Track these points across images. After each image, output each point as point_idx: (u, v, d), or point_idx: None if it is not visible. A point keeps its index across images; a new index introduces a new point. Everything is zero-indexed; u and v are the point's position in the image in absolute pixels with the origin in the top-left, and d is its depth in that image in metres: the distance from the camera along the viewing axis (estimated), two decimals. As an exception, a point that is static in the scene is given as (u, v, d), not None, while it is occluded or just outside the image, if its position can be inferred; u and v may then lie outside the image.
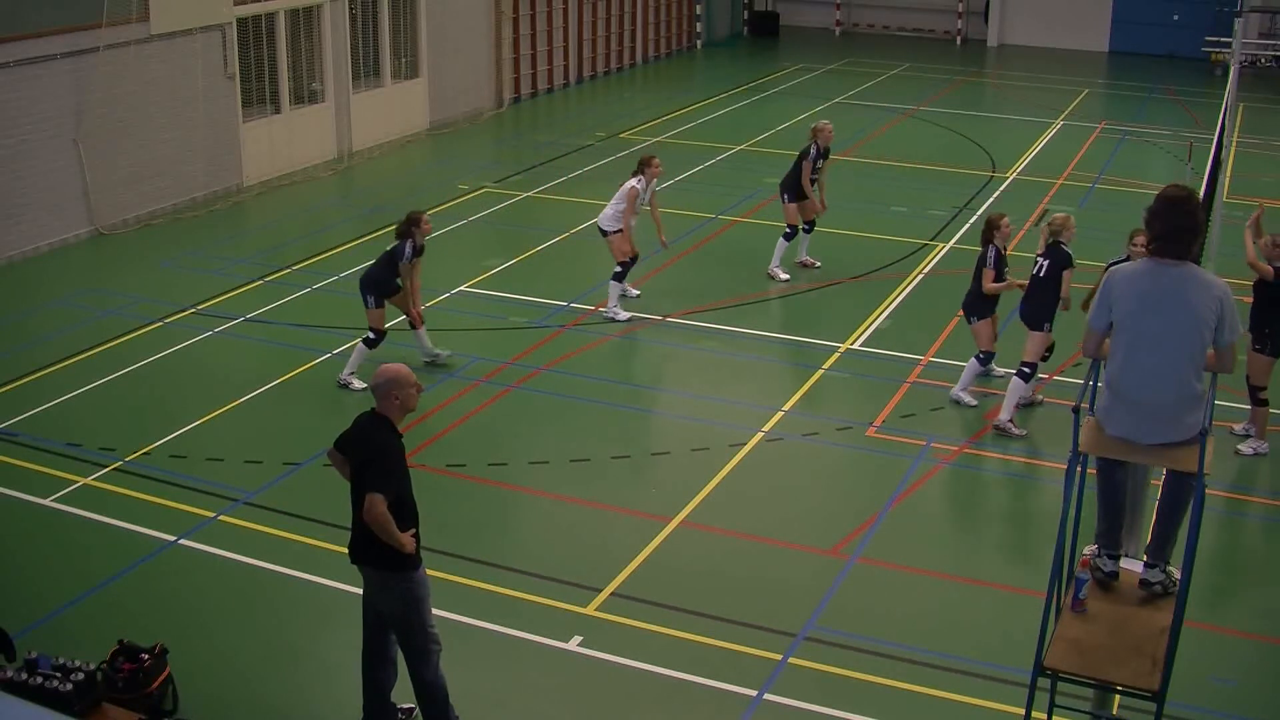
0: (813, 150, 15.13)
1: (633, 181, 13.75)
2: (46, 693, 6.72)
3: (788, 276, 15.26)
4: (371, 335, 11.98)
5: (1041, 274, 11.30)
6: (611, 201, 13.83)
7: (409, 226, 11.96)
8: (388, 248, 12.14)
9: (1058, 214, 11.74)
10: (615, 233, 13.72)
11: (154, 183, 17.44)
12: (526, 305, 14.21)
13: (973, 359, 11.78)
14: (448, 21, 23.66)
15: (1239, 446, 11.02)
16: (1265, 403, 10.98)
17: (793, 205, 15.24)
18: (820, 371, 12.70)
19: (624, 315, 13.87)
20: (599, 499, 10.20)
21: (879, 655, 8.20)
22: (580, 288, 14.87)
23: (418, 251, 12.03)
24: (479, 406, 11.83)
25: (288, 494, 10.12)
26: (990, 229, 11.66)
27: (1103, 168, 21.18)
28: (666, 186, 19.46)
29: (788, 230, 15.30)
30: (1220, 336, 5.68)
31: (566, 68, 28.28)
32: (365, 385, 11.78)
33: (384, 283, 11.93)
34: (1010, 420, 11.26)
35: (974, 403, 11.81)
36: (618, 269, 13.84)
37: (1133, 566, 6.10)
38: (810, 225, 15.57)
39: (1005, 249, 11.72)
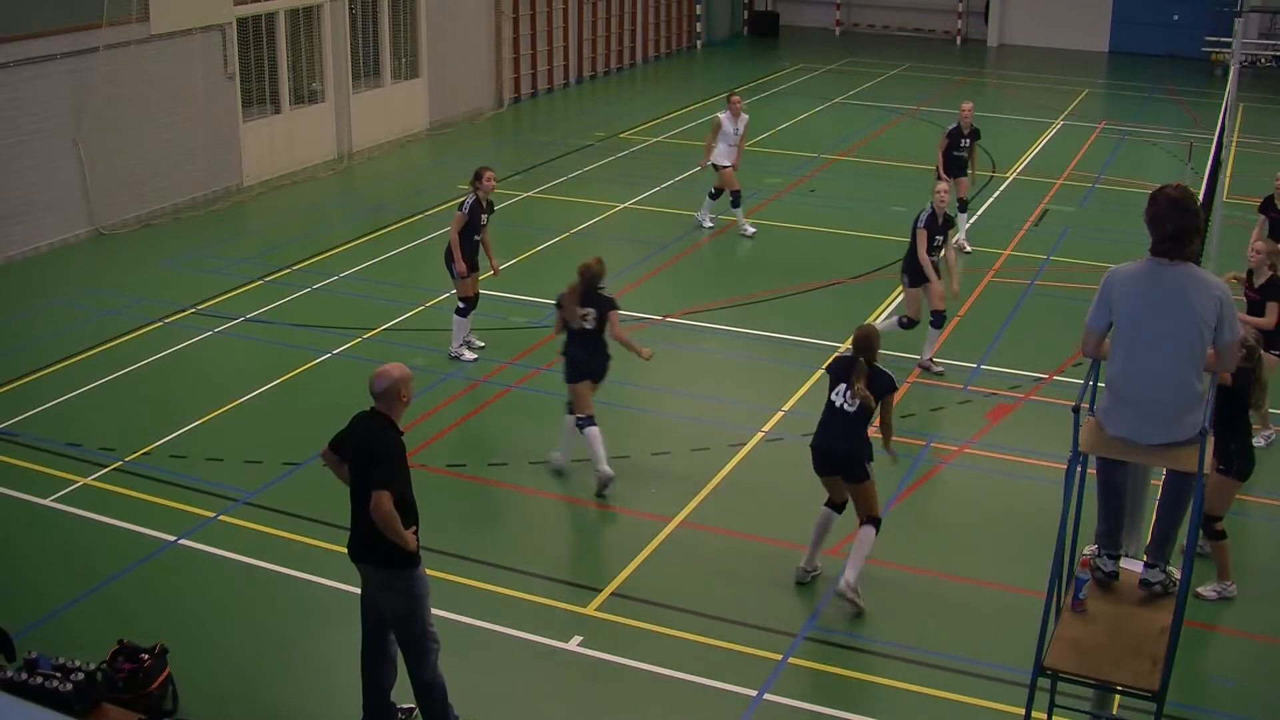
0: (952, 128, 16.14)
1: (720, 115, 16.72)
2: (46, 693, 6.71)
3: (970, 250, 16.16)
4: (462, 305, 12.60)
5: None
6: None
7: (473, 180, 12.58)
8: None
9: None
10: (723, 167, 16.55)
11: (154, 183, 17.44)
12: (526, 305, 14.20)
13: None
14: (448, 21, 23.66)
15: (1200, 590, 8.96)
16: (1223, 535, 8.84)
17: (951, 180, 15.71)
18: (820, 371, 12.66)
19: (708, 222, 17.24)
20: (599, 499, 10.19)
21: (879, 655, 8.20)
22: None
23: (487, 208, 12.58)
24: (479, 406, 11.82)
25: (288, 494, 10.12)
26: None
27: (1103, 168, 21.18)
28: (666, 186, 19.47)
29: (958, 203, 16.01)
30: (1220, 336, 5.68)
31: (566, 68, 28.28)
32: (473, 358, 12.73)
33: (465, 246, 12.46)
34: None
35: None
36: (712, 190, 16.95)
37: (1133, 566, 6.11)
38: (962, 204, 16.22)
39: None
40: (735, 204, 16.88)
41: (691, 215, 17.81)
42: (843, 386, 8.58)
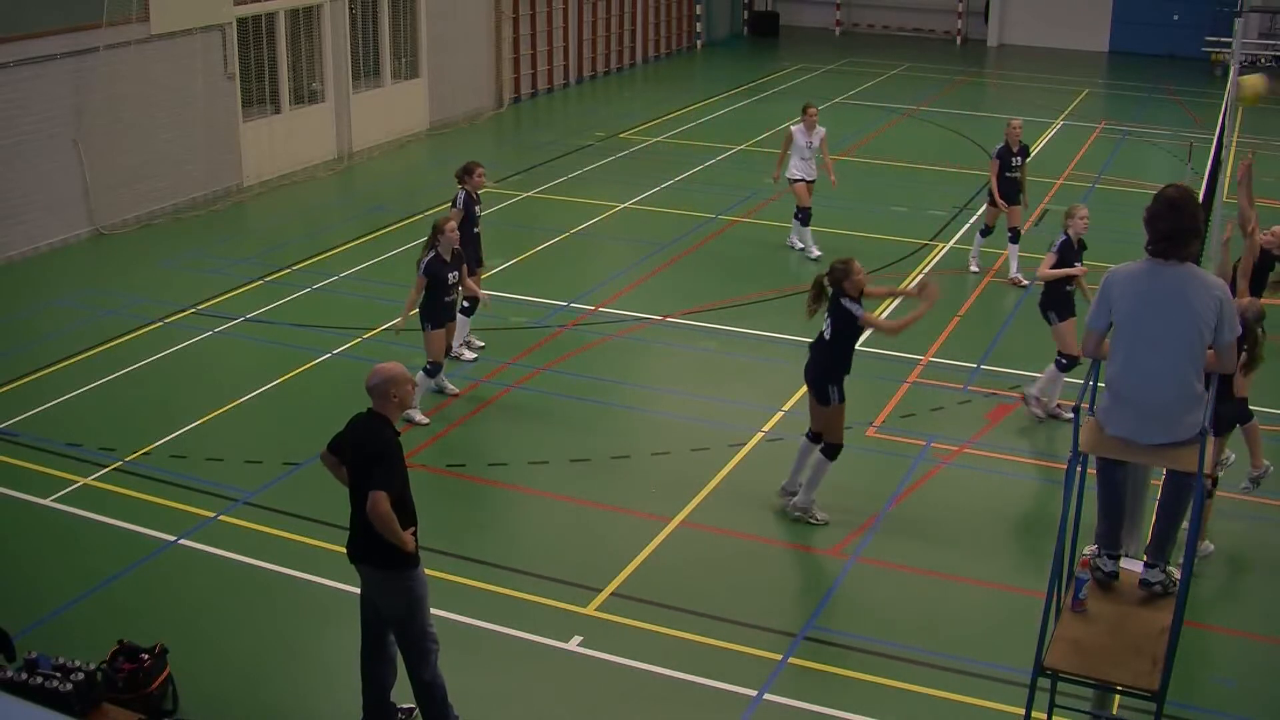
0: (999, 148, 15.15)
1: (793, 127, 15.85)
2: (46, 693, 6.71)
3: (977, 269, 15.63)
4: (465, 304, 12.22)
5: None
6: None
7: (464, 175, 12.53)
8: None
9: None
10: (795, 181, 15.83)
11: (154, 183, 17.44)
12: (526, 305, 14.20)
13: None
14: (448, 21, 23.66)
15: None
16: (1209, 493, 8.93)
17: (1000, 209, 15.20)
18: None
19: (816, 251, 15.91)
20: (599, 499, 10.19)
21: (879, 655, 8.20)
22: (580, 288, 14.87)
23: (477, 201, 12.51)
24: (479, 406, 11.83)
25: (288, 494, 10.12)
26: None
27: (1103, 168, 21.18)
28: (666, 186, 19.48)
29: (984, 227, 15.61)
30: (1220, 336, 5.68)
31: (566, 68, 28.28)
32: (473, 357, 12.71)
33: (467, 245, 12.33)
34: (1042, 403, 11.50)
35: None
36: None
37: (1133, 566, 6.10)
38: (1014, 233, 15.23)
39: None
40: (804, 222, 16.04)
41: (691, 215, 17.82)
42: (829, 319, 9.62)
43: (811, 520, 9.77)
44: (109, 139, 16.61)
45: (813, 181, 15.90)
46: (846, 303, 9.48)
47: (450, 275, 11.22)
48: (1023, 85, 29.54)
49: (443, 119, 23.76)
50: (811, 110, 15.86)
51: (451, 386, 11.94)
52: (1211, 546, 9.33)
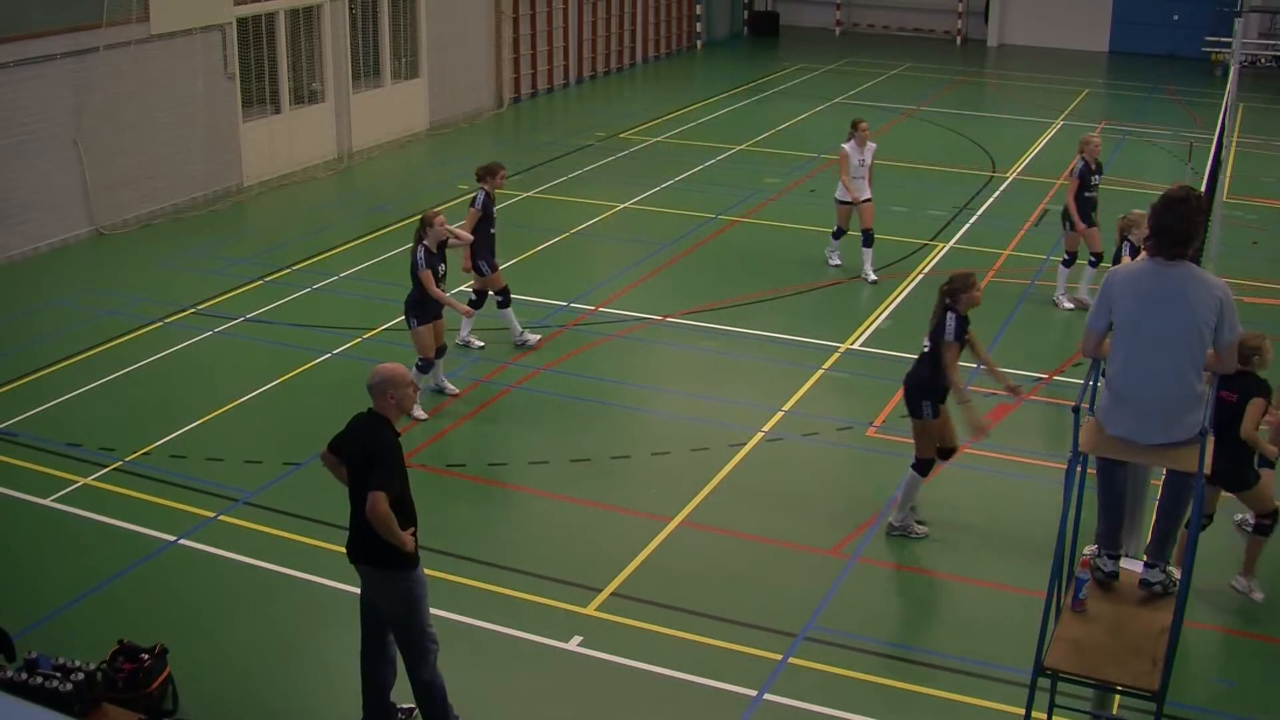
0: (1079, 165, 13.91)
1: (845, 145, 14.99)
2: (46, 693, 6.71)
3: (1071, 306, 14.31)
4: (500, 298, 12.68)
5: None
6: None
7: (486, 175, 12.71)
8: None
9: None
10: (842, 203, 15.08)
11: (154, 183, 17.44)
12: (526, 305, 14.19)
13: None
14: (448, 21, 23.66)
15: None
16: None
17: (1079, 233, 14.05)
18: (820, 371, 12.70)
19: (871, 276, 15.09)
20: (599, 499, 10.19)
21: (879, 655, 8.20)
22: (580, 288, 14.87)
23: (492, 202, 12.67)
24: (479, 406, 11.82)
25: (288, 494, 10.12)
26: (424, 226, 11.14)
27: (1103, 168, 21.13)
28: (666, 186, 19.48)
29: (1065, 257, 14.45)
30: (1220, 336, 5.69)
31: (566, 68, 28.28)
32: (483, 344, 12.96)
33: (484, 246, 12.57)
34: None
35: None
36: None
37: (1133, 566, 6.11)
38: (1097, 258, 14.11)
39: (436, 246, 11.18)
40: (837, 236, 15.36)
41: (691, 215, 17.82)
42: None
43: (912, 535, 9.54)
44: (109, 139, 16.61)
45: (867, 200, 14.93)
46: (950, 317, 9.17)
47: (440, 268, 11.24)
48: (1023, 85, 29.54)
49: (443, 119, 23.76)
50: (863, 125, 14.97)
51: (451, 386, 11.93)
52: (1260, 596, 8.81)
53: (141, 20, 16.80)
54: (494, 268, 12.64)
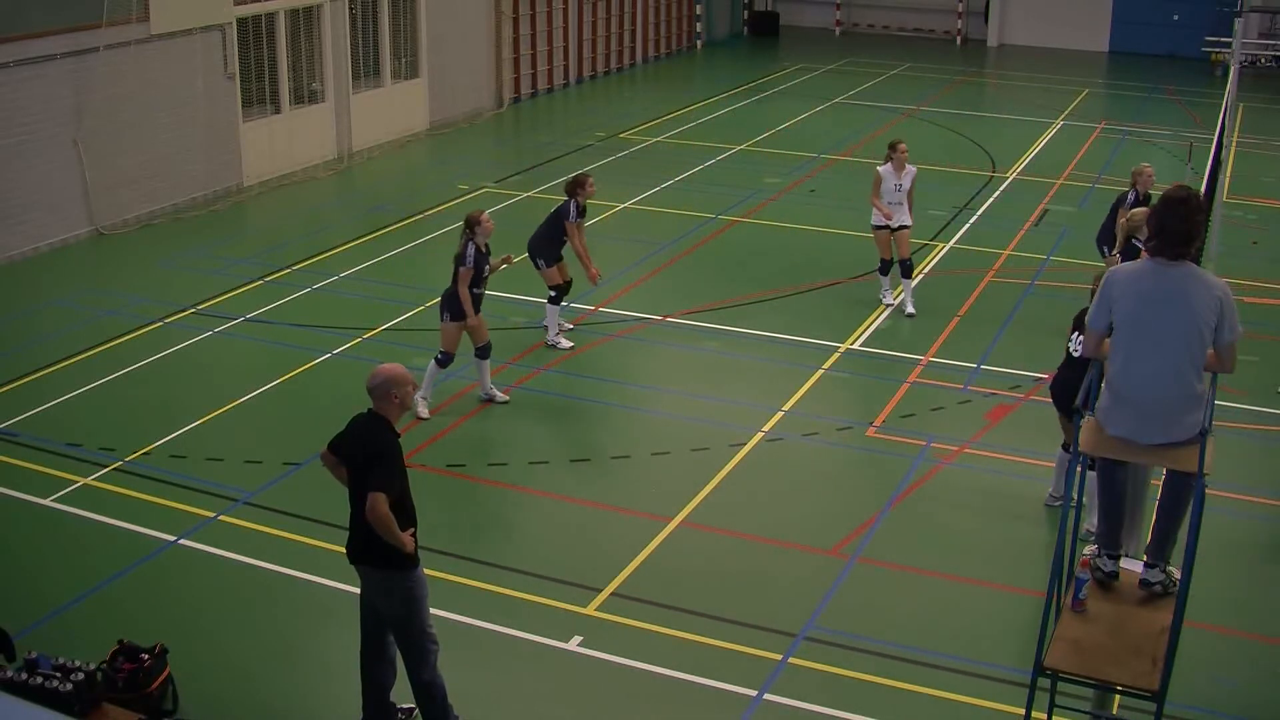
0: (1130, 197, 12.71)
1: (880, 168, 14.11)
2: (46, 693, 6.71)
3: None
4: (553, 293, 12.96)
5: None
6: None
7: (574, 186, 12.98)
8: (553, 209, 13.23)
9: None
10: (878, 229, 14.12)
11: (154, 183, 17.44)
12: (527, 305, 14.20)
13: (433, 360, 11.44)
14: (448, 21, 23.66)
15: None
16: None
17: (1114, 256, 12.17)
18: (820, 371, 12.70)
19: (892, 301, 14.36)
20: (599, 499, 10.20)
21: (879, 655, 8.20)
22: (580, 288, 14.86)
23: (581, 212, 12.99)
24: (479, 407, 11.82)
25: (288, 494, 10.12)
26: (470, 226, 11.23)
27: (1103, 168, 21.18)
28: (666, 186, 19.48)
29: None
30: (1221, 336, 5.69)
31: (566, 68, 28.28)
32: (570, 345, 13.16)
33: (552, 241, 12.95)
34: None
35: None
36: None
37: (1133, 566, 6.10)
38: None
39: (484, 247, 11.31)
40: (904, 274, 14.11)
41: (691, 215, 17.81)
42: (1075, 334, 9.55)
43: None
44: (109, 139, 16.61)
45: (904, 227, 13.98)
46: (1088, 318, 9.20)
47: (485, 267, 11.41)
48: (1023, 85, 29.54)
49: (443, 119, 23.76)
50: (902, 147, 13.84)
51: (501, 395, 11.83)
52: None
53: (141, 20, 16.80)
54: (552, 262, 12.95)
